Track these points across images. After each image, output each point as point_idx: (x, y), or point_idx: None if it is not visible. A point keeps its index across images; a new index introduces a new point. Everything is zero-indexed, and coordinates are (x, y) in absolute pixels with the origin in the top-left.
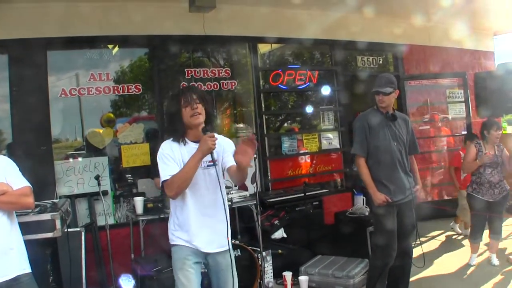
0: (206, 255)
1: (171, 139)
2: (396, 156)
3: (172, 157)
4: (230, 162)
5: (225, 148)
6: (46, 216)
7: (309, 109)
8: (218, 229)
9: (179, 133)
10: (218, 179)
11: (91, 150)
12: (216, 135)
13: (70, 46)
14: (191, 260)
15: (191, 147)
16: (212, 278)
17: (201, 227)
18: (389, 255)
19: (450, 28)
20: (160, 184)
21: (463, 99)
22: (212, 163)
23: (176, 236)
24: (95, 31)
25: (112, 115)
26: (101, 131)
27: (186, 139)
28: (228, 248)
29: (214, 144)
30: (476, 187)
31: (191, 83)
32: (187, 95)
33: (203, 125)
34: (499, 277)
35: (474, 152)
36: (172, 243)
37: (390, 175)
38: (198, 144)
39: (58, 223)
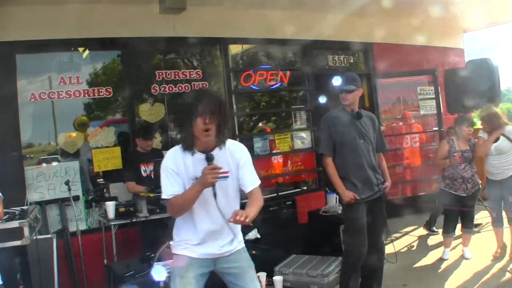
0: (214, 261)
1: (179, 146)
2: (363, 153)
3: (176, 172)
4: (247, 185)
5: (239, 163)
6: (14, 224)
7: (281, 109)
8: (225, 235)
9: (188, 143)
10: (214, 194)
11: (62, 154)
12: (229, 142)
13: (40, 50)
14: (193, 272)
15: (197, 158)
16: (231, 282)
17: (207, 235)
18: (360, 252)
19: (420, 26)
20: (162, 199)
21: (433, 96)
22: (222, 176)
23: (180, 244)
24: (65, 34)
25: (85, 119)
26: (74, 135)
27: (194, 149)
28: (237, 248)
29: (215, 178)
30: (449, 182)
31: (162, 86)
32: (205, 105)
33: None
34: (472, 271)
35: (446, 149)
36: (174, 251)
37: (357, 172)
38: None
39: (26, 231)
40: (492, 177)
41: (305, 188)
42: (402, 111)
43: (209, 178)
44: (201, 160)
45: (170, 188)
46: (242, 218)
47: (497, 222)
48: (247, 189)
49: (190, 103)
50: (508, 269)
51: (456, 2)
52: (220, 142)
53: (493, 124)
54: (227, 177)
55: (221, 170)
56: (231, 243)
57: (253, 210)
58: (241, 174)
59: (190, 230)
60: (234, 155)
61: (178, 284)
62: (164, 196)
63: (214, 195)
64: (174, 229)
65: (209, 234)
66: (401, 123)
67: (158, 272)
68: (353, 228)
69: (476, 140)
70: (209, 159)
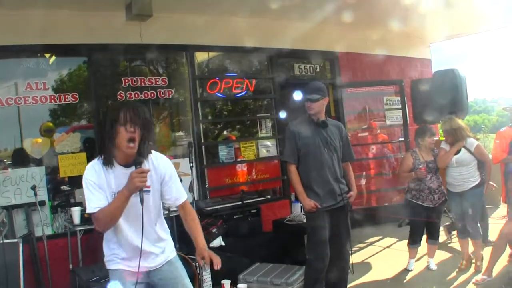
0: (148, 273)
1: (98, 159)
2: (327, 162)
3: (97, 184)
4: (178, 198)
5: (164, 177)
6: None
7: (246, 117)
8: (157, 246)
9: (107, 155)
10: (141, 200)
11: (28, 160)
12: (153, 155)
13: (6, 55)
14: (130, 283)
15: (119, 172)
16: None
17: (134, 249)
18: (322, 261)
19: (387, 35)
20: (87, 214)
21: (400, 106)
22: (146, 189)
23: (111, 259)
24: (32, 40)
25: (51, 124)
26: (40, 140)
27: (114, 162)
28: (170, 259)
29: (143, 182)
30: (416, 193)
31: (127, 92)
32: (128, 113)
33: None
34: (437, 282)
35: (411, 161)
36: (108, 267)
37: (319, 181)
38: (127, 169)
39: None
40: (453, 189)
41: (270, 196)
42: (368, 121)
43: (137, 182)
44: (123, 174)
45: (94, 201)
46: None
47: (462, 234)
48: (179, 202)
49: (111, 112)
50: (474, 280)
51: (423, 13)
52: (144, 154)
53: (455, 136)
54: (148, 191)
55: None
56: (161, 254)
57: (203, 240)
58: (169, 188)
59: (117, 244)
60: (158, 169)
61: None
62: (89, 210)
63: (141, 201)
64: (103, 244)
65: (135, 248)
66: (366, 133)
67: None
68: (315, 237)
69: (438, 150)
70: (137, 163)
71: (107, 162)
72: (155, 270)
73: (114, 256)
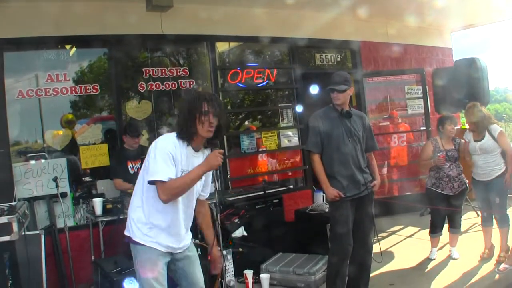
0: (173, 252)
1: (177, 135)
2: (350, 152)
3: (174, 157)
4: (206, 192)
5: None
6: (3, 220)
7: (267, 107)
8: (182, 227)
9: (189, 136)
10: (215, 182)
11: (50, 151)
12: (207, 151)
13: (27, 47)
14: (161, 263)
15: (191, 153)
16: (180, 273)
17: (176, 229)
18: (346, 250)
19: (408, 24)
20: (151, 181)
21: (421, 95)
22: None
23: (146, 235)
24: (52, 32)
25: (72, 116)
26: (60, 132)
27: (190, 143)
28: (188, 246)
29: (221, 162)
30: (436, 181)
31: (149, 84)
32: (213, 105)
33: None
34: (460, 271)
35: (431, 149)
36: (140, 241)
37: (343, 171)
38: (196, 152)
39: (15, 226)
40: (478, 177)
41: (292, 186)
42: (390, 110)
43: (220, 160)
44: (192, 156)
45: (168, 171)
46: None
47: (486, 222)
48: (205, 196)
49: (195, 102)
50: (497, 269)
51: (444, 2)
52: (211, 145)
53: (478, 124)
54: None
55: None
56: (187, 236)
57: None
58: (207, 181)
59: (161, 213)
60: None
61: (151, 279)
62: (161, 178)
63: (214, 179)
64: (135, 214)
65: (175, 220)
66: (388, 123)
67: (130, 284)
68: (338, 227)
69: (462, 140)
70: (216, 144)
71: (188, 141)
72: (177, 253)
73: (149, 227)
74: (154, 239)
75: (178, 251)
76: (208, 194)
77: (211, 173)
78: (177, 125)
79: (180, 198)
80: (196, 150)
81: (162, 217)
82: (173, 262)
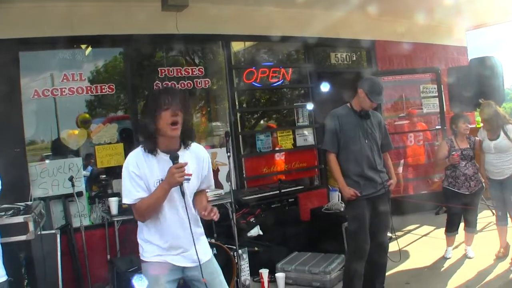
0: (183, 269)
1: (140, 148)
2: (366, 153)
3: (138, 175)
4: (205, 184)
5: (203, 166)
6: (19, 219)
7: (283, 106)
8: (189, 240)
9: (151, 143)
10: (182, 193)
11: (65, 151)
12: (194, 146)
13: (43, 47)
14: (164, 278)
15: (161, 159)
16: None
17: (174, 239)
18: (362, 249)
19: (423, 23)
20: (126, 204)
21: (436, 94)
22: (187, 177)
23: (147, 251)
24: (67, 32)
25: (87, 116)
26: (76, 132)
27: (157, 149)
28: (208, 258)
29: (183, 177)
30: (452, 180)
31: (164, 83)
32: (169, 97)
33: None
34: (475, 270)
35: (446, 149)
36: (143, 259)
37: (360, 171)
38: (167, 155)
39: (31, 226)
40: (492, 176)
41: (307, 185)
42: (405, 109)
43: (177, 177)
44: (166, 161)
45: (134, 192)
46: (212, 214)
47: (501, 221)
48: (204, 188)
49: (153, 97)
50: None
51: (459, 1)
52: (187, 140)
53: (492, 123)
54: (189, 179)
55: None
56: (196, 255)
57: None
58: (206, 177)
59: (158, 233)
60: (199, 155)
61: None
62: (128, 201)
63: (182, 194)
64: (138, 234)
65: (175, 238)
66: (403, 121)
67: (139, 282)
68: (355, 225)
69: (476, 138)
70: (174, 158)
71: (151, 150)
72: (190, 267)
73: (150, 245)
74: (152, 253)
75: (189, 266)
76: (212, 186)
77: (206, 166)
78: (139, 133)
79: (168, 209)
80: (169, 152)
81: (158, 232)
82: (191, 282)
